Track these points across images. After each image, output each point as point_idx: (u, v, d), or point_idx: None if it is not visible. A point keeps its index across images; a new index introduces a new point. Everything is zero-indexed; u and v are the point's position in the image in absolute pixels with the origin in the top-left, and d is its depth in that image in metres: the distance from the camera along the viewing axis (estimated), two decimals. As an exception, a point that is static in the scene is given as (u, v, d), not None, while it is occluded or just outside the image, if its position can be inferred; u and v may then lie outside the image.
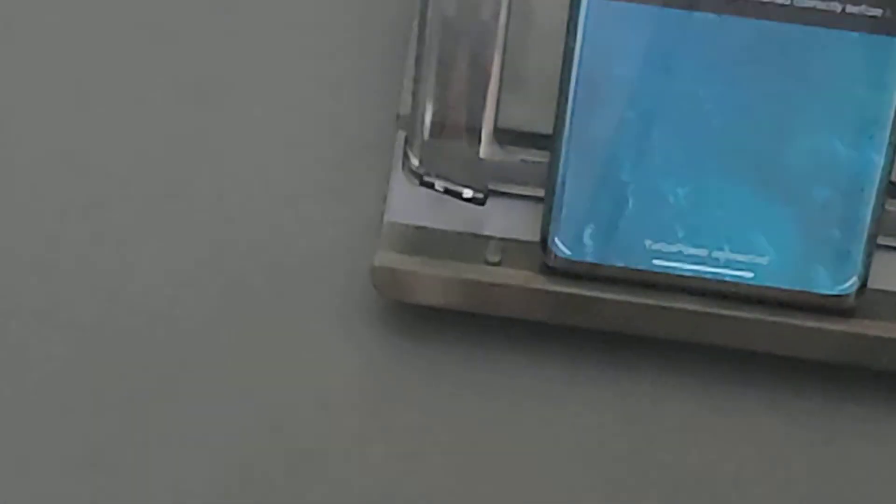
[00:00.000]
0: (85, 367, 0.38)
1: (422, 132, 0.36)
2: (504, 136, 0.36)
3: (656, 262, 0.35)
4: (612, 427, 0.38)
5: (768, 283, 0.35)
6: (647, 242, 0.34)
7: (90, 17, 0.38)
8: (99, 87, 0.39)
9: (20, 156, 0.38)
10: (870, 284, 0.35)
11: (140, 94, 0.38)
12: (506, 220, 0.36)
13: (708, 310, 0.35)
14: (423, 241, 0.36)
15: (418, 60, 0.35)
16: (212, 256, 0.38)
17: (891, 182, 0.34)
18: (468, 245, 0.36)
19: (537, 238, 0.36)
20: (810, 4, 0.32)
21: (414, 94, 0.35)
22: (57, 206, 0.38)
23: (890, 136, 0.33)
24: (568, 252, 0.34)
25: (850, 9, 0.32)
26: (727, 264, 0.34)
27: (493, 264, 0.36)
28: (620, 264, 0.35)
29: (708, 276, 0.35)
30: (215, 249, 0.38)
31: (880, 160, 0.33)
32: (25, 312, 0.38)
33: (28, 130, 0.38)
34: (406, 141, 0.36)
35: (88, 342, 0.38)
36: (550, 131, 0.35)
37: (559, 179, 0.34)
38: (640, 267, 0.35)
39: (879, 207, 0.34)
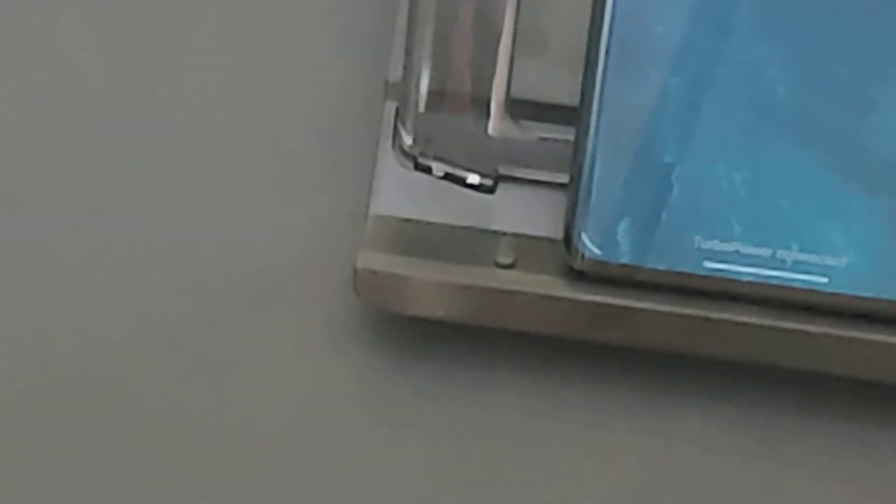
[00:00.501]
0: (57, 375, 0.35)
1: (416, 103, 0.33)
2: (518, 108, 0.33)
3: (708, 264, 0.32)
4: (648, 466, 0.34)
5: (846, 291, 0.32)
6: (697, 240, 0.32)
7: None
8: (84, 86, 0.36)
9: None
10: None
11: (103, 76, 0.36)
12: (520, 212, 0.34)
13: (771, 323, 0.32)
14: (416, 238, 0.34)
15: (412, 14, 0.33)
16: (163, 262, 0.36)
17: None
18: (473, 243, 0.34)
19: (559, 235, 0.33)
20: None
21: (407, 56, 0.33)
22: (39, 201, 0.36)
23: None
24: (598, 252, 0.32)
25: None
26: (795, 267, 0.32)
27: (505, 267, 0.33)
28: (663, 267, 0.32)
29: (771, 281, 0.32)
30: (168, 253, 0.35)
31: None
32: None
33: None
34: (397, 114, 0.33)
35: (60, 350, 0.36)
36: (576, 103, 0.31)
37: (587, 162, 0.31)
38: (687, 270, 0.32)
39: None
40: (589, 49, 0.31)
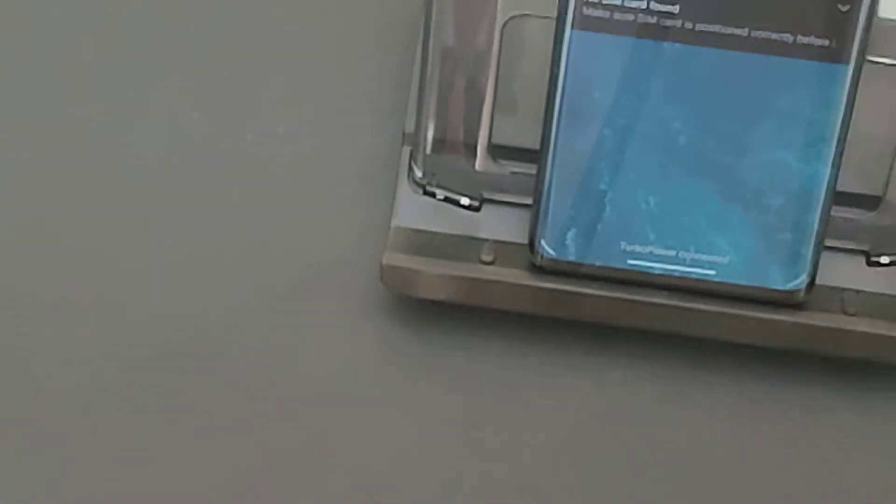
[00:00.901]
0: (116, 364, 0.40)
1: (425, 148, 0.37)
2: (497, 151, 0.37)
3: (630, 261, 0.36)
4: (589, 406, 0.39)
5: (728, 280, 0.36)
6: (623, 244, 0.36)
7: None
8: (129, 94, 0.40)
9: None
10: (817, 281, 0.37)
11: (177, 107, 0.39)
12: (498, 224, 0.37)
13: (675, 303, 0.37)
14: (425, 243, 0.37)
15: (421, 85, 0.36)
16: (242, 258, 0.39)
17: (836, 191, 0.35)
18: (465, 247, 0.37)
19: (526, 240, 0.37)
20: (766, 36, 0.34)
21: (418, 115, 0.37)
22: (98, 205, 0.40)
23: (835, 151, 0.35)
24: (553, 253, 0.36)
25: (800, 39, 0.34)
26: (692, 263, 0.36)
27: (487, 263, 0.37)
28: (599, 263, 0.36)
29: (676, 273, 0.36)
30: (245, 252, 0.39)
31: (826, 172, 0.35)
32: (69, 304, 0.40)
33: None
34: (411, 155, 0.37)
35: (117, 339, 0.40)
36: (538, 147, 0.36)
37: (545, 189, 0.36)
38: (616, 266, 0.36)
39: (826, 214, 0.35)
40: (546, 109, 0.35)
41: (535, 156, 0.36)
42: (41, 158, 0.40)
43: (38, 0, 0.39)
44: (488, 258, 0.37)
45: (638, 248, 0.36)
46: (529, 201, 0.36)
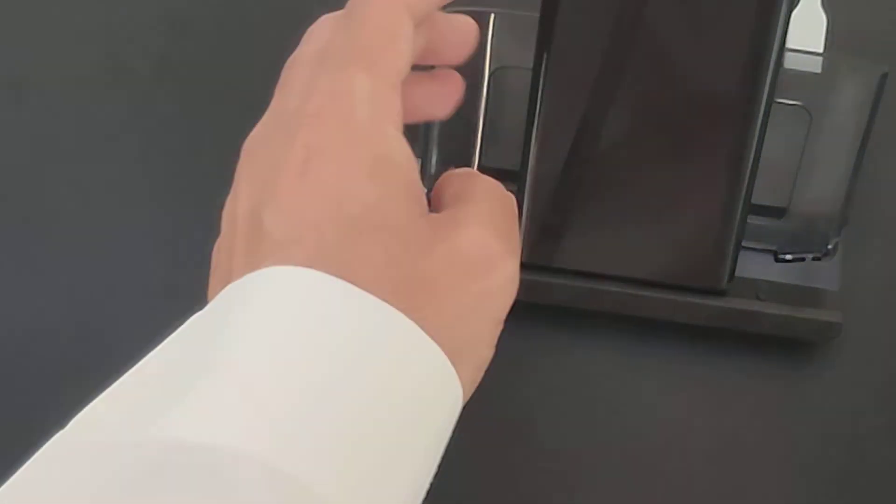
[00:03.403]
0: None
1: (430, 169, 0.43)
2: (484, 172, 0.38)
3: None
4: (557, 373, 0.45)
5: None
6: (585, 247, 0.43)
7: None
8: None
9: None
10: (736, 274, 0.43)
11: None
12: None
13: (624, 291, 0.43)
14: None
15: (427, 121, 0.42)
16: None
17: (751, 204, 0.41)
18: None
19: None
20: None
21: (424, 143, 0.43)
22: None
23: (749, 173, 0.40)
24: (528, 253, 0.43)
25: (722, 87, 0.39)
26: None
27: None
28: (565, 261, 0.43)
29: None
30: None
31: (743, 189, 0.41)
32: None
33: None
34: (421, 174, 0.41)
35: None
36: (517, 168, 0.42)
37: (525, 202, 0.42)
38: (579, 264, 0.43)
39: (743, 221, 0.41)
40: (525, 140, 0.41)
41: (516, 175, 0.42)
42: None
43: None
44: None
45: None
46: None
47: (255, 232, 0.30)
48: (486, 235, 0.32)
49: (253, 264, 0.29)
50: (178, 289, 0.47)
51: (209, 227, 0.48)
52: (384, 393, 0.27)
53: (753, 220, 0.43)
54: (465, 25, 0.37)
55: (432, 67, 0.37)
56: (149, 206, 0.50)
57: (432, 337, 0.29)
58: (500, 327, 0.33)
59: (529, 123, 0.41)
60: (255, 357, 0.27)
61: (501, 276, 0.32)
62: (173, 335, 0.29)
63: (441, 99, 0.37)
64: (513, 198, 0.34)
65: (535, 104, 0.41)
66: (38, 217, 0.49)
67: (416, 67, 0.35)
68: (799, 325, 0.44)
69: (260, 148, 0.33)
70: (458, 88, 0.37)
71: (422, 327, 0.29)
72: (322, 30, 0.34)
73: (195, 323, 0.29)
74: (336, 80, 0.32)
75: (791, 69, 0.43)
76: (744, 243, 0.42)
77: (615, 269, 0.43)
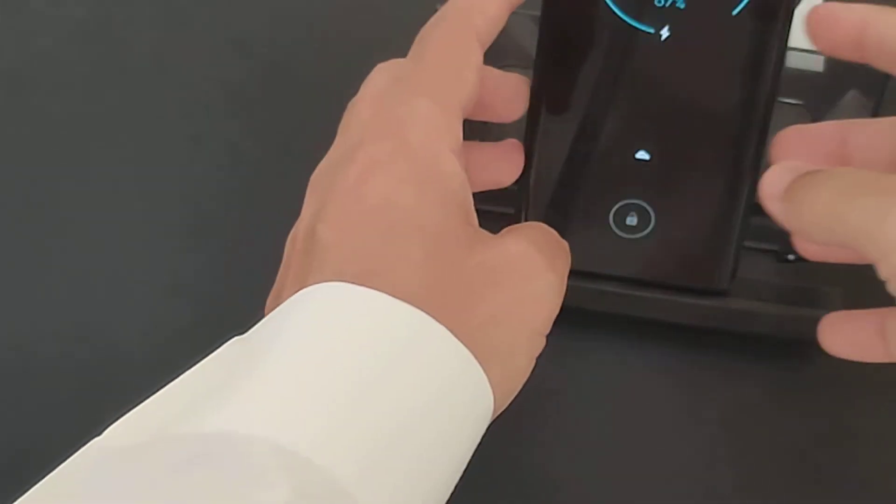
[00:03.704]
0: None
1: None
2: None
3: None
4: (556, 374, 0.45)
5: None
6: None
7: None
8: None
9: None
10: (738, 274, 0.41)
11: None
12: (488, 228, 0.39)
13: (625, 292, 0.42)
14: None
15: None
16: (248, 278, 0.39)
17: (753, 204, 0.39)
18: None
19: None
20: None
21: None
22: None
23: (751, 176, 0.40)
24: None
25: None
26: None
27: None
28: None
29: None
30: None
31: (745, 190, 0.40)
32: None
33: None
34: None
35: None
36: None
37: (525, 203, 0.41)
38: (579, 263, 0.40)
39: (745, 221, 0.40)
40: (526, 141, 0.40)
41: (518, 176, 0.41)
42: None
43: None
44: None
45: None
46: (512, 210, 0.42)
47: (308, 243, 0.32)
48: (529, 248, 0.33)
49: (301, 277, 0.31)
50: (179, 289, 0.47)
51: (209, 227, 0.48)
52: (413, 395, 0.28)
53: (755, 220, 0.41)
54: (516, 82, 0.38)
55: (485, 124, 0.39)
56: (149, 206, 0.50)
57: (465, 340, 0.30)
58: (541, 341, 0.33)
59: (529, 123, 0.41)
60: (290, 366, 0.28)
61: (540, 285, 0.33)
62: (211, 356, 0.30)
63: (507, 167, 0.39)
64: (566, 244, 0.35)
65: (535, 104, 0.41)
66: (37, 217, 0.49)
67: (466, 122, 0.36)
68: (801, 325, 0.43)
69: (323, 176, 0.34)
70: (522, 157, 0.39)
71: (454, 329, 0.29)
72: (380, 74, 0.36)
73: (235, 343, 0.30)
74: (399, 104, 0.33)
75: (793, 68, 0.43)
76: (746, 244, 0.42)
77: (615, 269, 0.43)
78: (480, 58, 0.35)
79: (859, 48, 0.34)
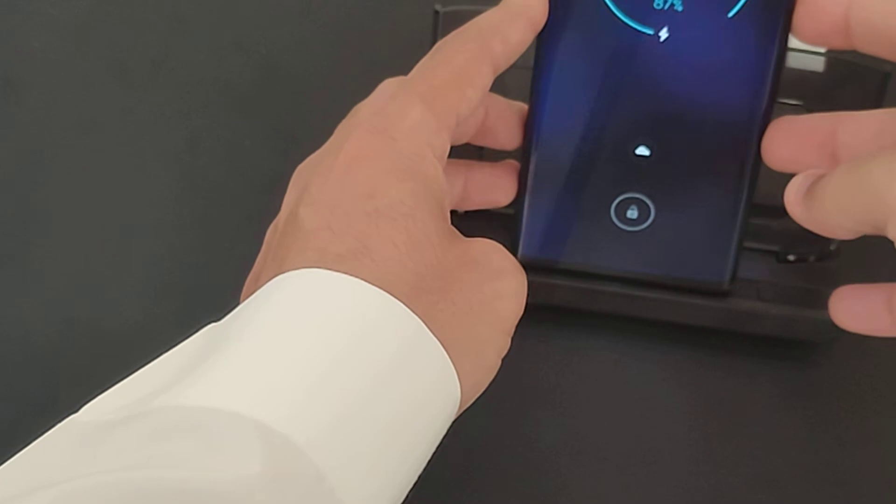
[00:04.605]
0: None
1: None
2: None
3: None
4: (556, 374, 0.45)
5: (669, 273, 0.42)
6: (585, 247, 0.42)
7: None
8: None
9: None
10: (738, 275, 0.42)
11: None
12: (490, 232, 0.38)
13: (627, 292, 0.42)
14: None
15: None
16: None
17: (753, 204, 0.40)
18: None
19: (509, 243, 0.41)
20: None
21: None
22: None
23: (751, 173, 0.39)
24: (529, 254, 0.42)
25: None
26: None
27: None
28: (566, 261, 0.42)
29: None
30: None
31: (745, 189, 0.40)
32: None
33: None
34: None
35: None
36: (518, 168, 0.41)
37: (524, 204, 0.41)
38: (579, 263, 0.42)
39: (745, 221, 0.40)
40: (524, 143, 0.40)
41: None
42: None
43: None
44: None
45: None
46: (512, 212, 0.42)
47: (291, 226, 0.33)
48: (499, 249, 0.35)
49: (280, 259, 0.32)
50: (176, 287, 0.47)
51: (208, 227, 0.48)
52: (372, 366, 0.29)
53: (756, 220, 0.41)
54: (521, 113, 0.39)
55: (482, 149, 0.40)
56: (148, 206, 0.50)
57: (440, 329, 0.31)
58: (508, 341, 0.34)
59: (530, 123, 0.41)
60: (261, 345, 0.29)
61: (513, 283, 0.34)
62: (186, 340, 0.31)
63: (504, 188, 0.40)
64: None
65: (536, 104, 0.41)
66: (36, 216, 0.49)
67: (469, 147, 0.37)
68: (801, 326, 0.43)
69: (308, 167, 0.36)
70: (516, 180, 0.40)
71: (431, 315, 0.31)
72: (387, 86, 0.37)
73: (210, 328, 0.31)
74: (395, 106, 0.34)
75: (793, 68, 0.42)
76: (746, 244, 0.42)
77: (615, 269, 0.42)
78: (488, 81, 0.36)
79: (846, 34, 0.34)
